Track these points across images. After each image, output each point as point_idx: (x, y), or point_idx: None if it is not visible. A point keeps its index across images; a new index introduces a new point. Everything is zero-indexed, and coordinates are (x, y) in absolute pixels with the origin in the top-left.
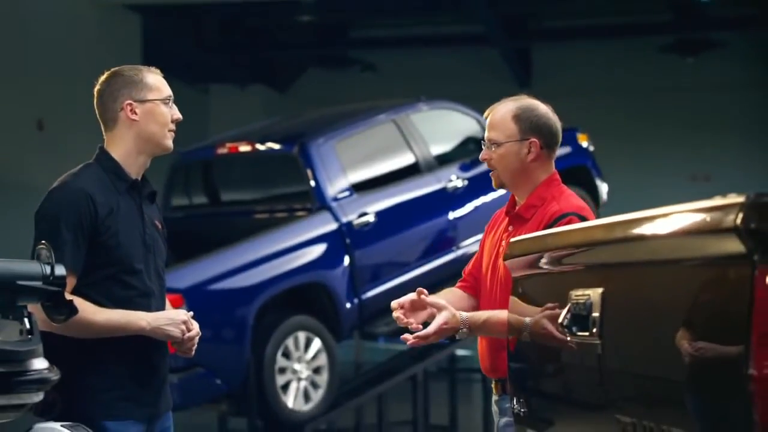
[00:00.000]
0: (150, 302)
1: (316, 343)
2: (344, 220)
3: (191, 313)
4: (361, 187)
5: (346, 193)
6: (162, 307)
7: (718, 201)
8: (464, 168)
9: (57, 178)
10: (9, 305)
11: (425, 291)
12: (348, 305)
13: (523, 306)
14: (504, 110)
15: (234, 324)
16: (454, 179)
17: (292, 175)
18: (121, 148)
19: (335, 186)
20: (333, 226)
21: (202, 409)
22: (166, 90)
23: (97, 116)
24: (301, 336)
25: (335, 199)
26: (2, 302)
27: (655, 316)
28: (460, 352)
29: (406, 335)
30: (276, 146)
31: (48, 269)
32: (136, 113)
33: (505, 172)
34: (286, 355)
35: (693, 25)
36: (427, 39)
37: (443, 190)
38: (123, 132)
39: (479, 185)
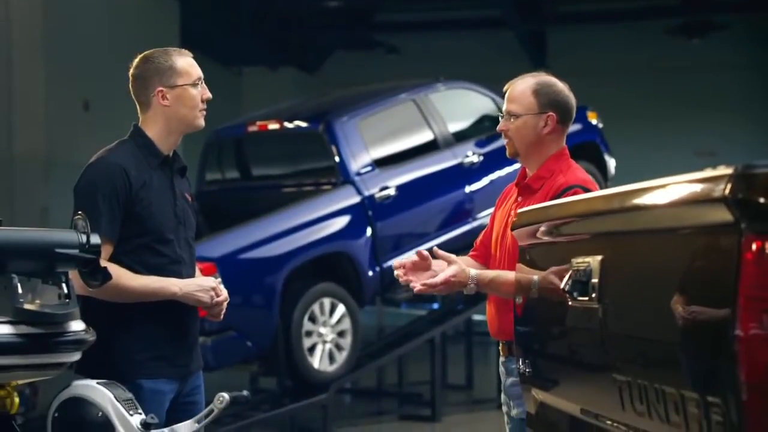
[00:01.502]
0: (181, 269)
1: (340, 309)
2: (367, 193)
3: (219, 279)
4: (382, 163)
5: (369, 168)
6: (192, 274)
7: (708, 173)
8: (480, 144)
9: None
10: (48, 271)
11: (424, 253)
12: (370, 273)
13: (528, 272)
14: (524, 85)
15: (264, 290)
16: (470, 155)
17: (318, 151)
18: (155, 128)
19: (358, 161)
20: (356, 199)
21: (234, 370)
22: (195, 72)
23: (132, 97)
24: (326, 302)
25: (358, 174)
26: (42, 269)
27: (650, 281)
28: (476, 317)
29: (403, 278)
30: (303, 124)
31: (84, 238)
32: (167, 98)
33: (520, 142)
34: (312, 319)
35: (698, 8)
36: (447, 23)
37: (460, 165)
38: (156, 114)
39: (494, 161)
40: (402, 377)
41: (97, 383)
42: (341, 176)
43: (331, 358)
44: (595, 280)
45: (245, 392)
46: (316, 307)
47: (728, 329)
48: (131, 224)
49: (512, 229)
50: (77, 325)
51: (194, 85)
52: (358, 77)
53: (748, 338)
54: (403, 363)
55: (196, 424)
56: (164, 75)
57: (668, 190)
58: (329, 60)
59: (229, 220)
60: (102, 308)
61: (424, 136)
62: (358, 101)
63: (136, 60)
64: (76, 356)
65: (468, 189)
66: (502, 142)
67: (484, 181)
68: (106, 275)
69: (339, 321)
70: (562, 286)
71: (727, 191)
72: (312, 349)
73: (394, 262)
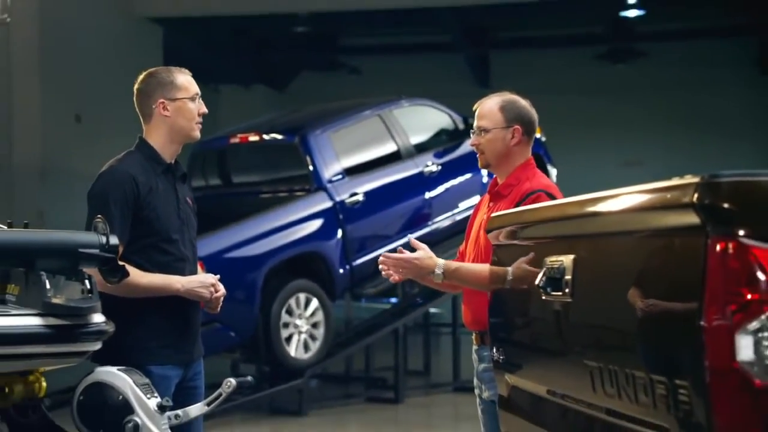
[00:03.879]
0: (185, 266)
1: (314, 303)
2: (338, 199)
3: (218, 276)
4: (351, 171)
5: (339, 176)
6: (194, 271)
7: (676, 181)
8: (438, 155)
9: (92, 165)
10: (72, 269)
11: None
12: (341, 271)
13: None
14: (491, 102)
15: (245, 286)
16: (430, 165)
17: (294, 161)
18: (157, 138)
19: (330, 170)
20: (328, 204)
21: (218, 357)
22: (194, 88)
23: (137, 110)
24: (302, 296)
25: (330, 181)
26: (66, 266)
27: (622, 278)
28: (433, 310)
29: (383, 266)
30: (280, 136)
31: (104, 239)
32: (168, 110)
33: (491, 154)
34: (289, 312)
35: (622, 37)
36: (403, 46)
37: (420, 174)
38: (158, 125)
39: (450, 170)
40: (369, 364)
41: (118, 369)
42: (315, 183)
43: (306, 347)
44: (568, 277)
45: (249, 377)
46: (292, 302)
47: (695, 321)
48: (140, 226)
49: (486, 232)
50: (98, 318)
51: (192, 99)
52: (323, 95)
53: (712, 329)
54: (369, 351)
55: (206, 407)
56: (166, 88)
57: (641, 196)
58: (297, 79)
59: (213, 223)
60: (115, 303)
61: (389, 148)
62: (330, 116)
63: (141, 76)
64: (97, 346)
65: (428, 195)
66: (458, 153)
67: (442, 188)
68: (124, 272)
69: (313, 314)
70: (536, 282)
71: (694, 198)
72: (289, 339)
73: (380, 258)
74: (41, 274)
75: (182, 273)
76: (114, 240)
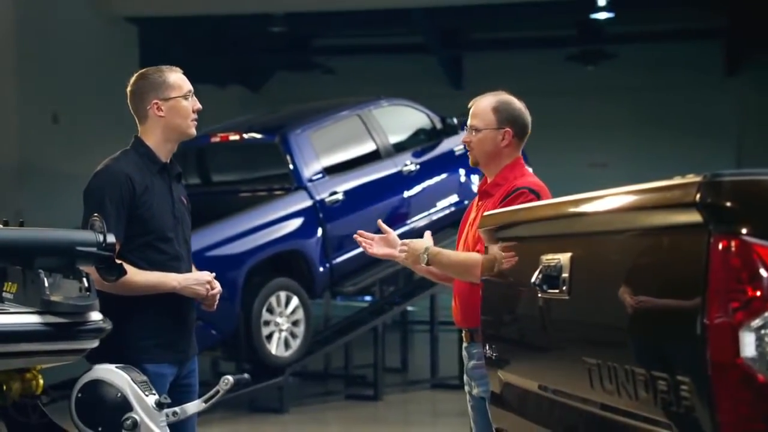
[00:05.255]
0: (180, 265)
1: (295, 301)
2: (318, 197)
3: (213, 274)
4: (331, 170)
5: (320, 175)
6: (189, 269)
7: (679, 180)
8: (416, 155)
9: (70, 164)
10: (69, 267)
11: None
12: (321, 269)
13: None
14: (485, 102)
15: (227, 284)
16: (408, 164)
17: (274, 160)
18: (152, 137)
19: (310, 169)
20: (308, 203)
21: (198, 355)
22: (186, 86)
23: (131, 111)
24: (282, 295)
25: (310, 180)
26: (64, 265)
27: (624, 276)
28: (410, 308)
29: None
30: (260, 136)
31: (101, 237)
32: (162, 110)
33: (480, 153)
34: (270, 310)
35: (592, 39)
36: (377, 47)
37: (399, 173)
38: (153, 125)
39: (429, 169)
40: (348, 362)
41: (116, 367)
42: (295, 182)
43: (287, 345)
44: (565, 275)
45: (246, 375)
46: (273, 300)
47: (698, 318)
48: (135, 225)
49: (479, 228)
50: (96, 315)
51: (185, 97)
52: (298, 95)
53: (715, 326)
54: (348, 349)
55: (204, 404)
56: (159, 89)
57: (643, 195)
58: (272, 80)
59: (194, 222)
60: (110, 301)
61: (368, 147)
62: (309, 116)
63: (133, 78)
64: (95, 343)
65: (407, 194)
66: (436, 153)
67: (421, 187)
68: (122, 271)
69: (293, 312)
70: (532, 280)
71: (697, 197)
72: (269, 336)
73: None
74: (39, 272)
75: (177, 271)
76: (111, 238)
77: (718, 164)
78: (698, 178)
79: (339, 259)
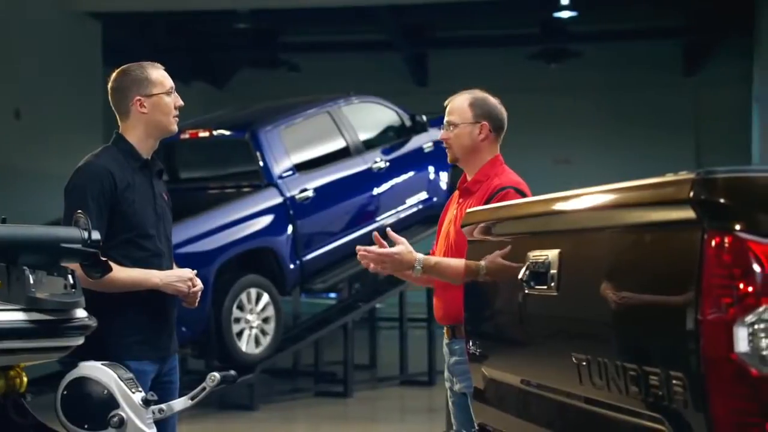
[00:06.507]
0: (161, 261)
1: (265, 298)
2: (288, 194)
3: (195, 271)
4: (302, 167)
5: (290, 172)
6: (170, 266)
7: (673, 177)
8: (386, 152)
9: (32, 160)
10: (54, 264)
11: (379, 238)
12: (291, 266)
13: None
14: (461, 99)
15: None
16: (378, 161)
17: (244, 156)
18: (134, 134)
19: (280, 166)
20: (279, 200)
21: None
22: (168, 82)
23: (112, 107)
24: (253, 292)
25: (280, 177)
26: (48, 262)
27: (617, 272)
28: (378, 305)
29: (361, 254)
30: (230, 132)
31: (86, 234)
32: (144, 107)
33: (459, 149)
34: (240, 307)
35: (556, 38)
36: (343, 44)
37: (369, 170)
38: (135, 122)
39: (398, 166)
40: (318, 359)
41: (102, 364)
42: (265, 179)
43: (257, 342)
44: (554, 271)
45: (232, 372)
46: (243, 297)
47: (692, 314)
48: (117, 221)
49: (462, 227)
50: (81, 313)
51: (168, 93)
52: (263, 92)
53: (709, 321)
54: (318, 346)
55: (190, 401)
56: (141, 85)
57: (635, 192)
58: (237, 76)
59: None
60: (91, 298)
61: (338, 144)
62: (279, 113)
63: (114, 74)
64: (81, 341)
65: (376, 191)
66: (405, 150)
67: (390, 184)
68: (107, 268)
69: (264, 309)
70: (519, 276)
71: (691, 194)
72: (240, 333)
73: (359, 250)
74: (25, 269)
75: (159, 268)
76: (96, 235)
77: (677, 160)
78: (692, 175)
79: (309, 256)
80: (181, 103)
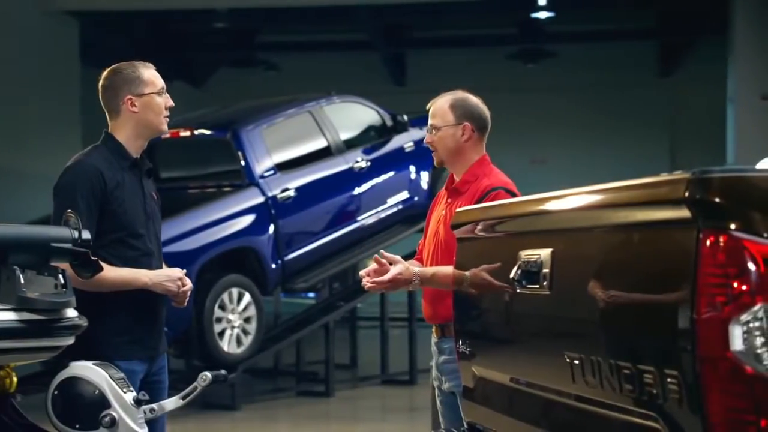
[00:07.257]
0: (151, 261)
1: (247, 297)
2: (270, 194)
3: (185, 270)
4: (283, 167)
5: (271, 172)
6: (160, 266)
7: (668, 176)
8: (367, 151)
9: (11, 160)
10: (44, 264)
11: (382, 260)
12: (273, 266)
13: (468, 264)
14: (442, 101)
15: None
16: (359, 161)
17: (226, 156)
18: (124, 133)
19: (262, 165)
20: (260, 199)
21: None
22: (160, 82)
23: (102, 106)
24: (235, 291)
25: (262, 177)
26: (39, 261)
27: (611, 272)
28: (359, 305)
29: (365, 280)
30: (211, 132)
31: (76, 233)
32: (135, 106)
33: (443, 151)
34: (222, 307)
35: (533, 38)
36: (321, 44)
37: (350, 169)
38: (125, 121)
39: (379, 166)
40: (299, 358)
41: (93, 364)
42: (247, 179)
43: (239, 342)
44: (546, 271)
45: (223, 371)
46: (225, 296)
47: (687, 312)
48: (107, 221)
49: (452, 228)
50: (72, 312)
51: (159, 93)
52: (241, 92)
53: (704, 320)
54: (300, 346)
55: (181, 400)
56: (132, 84)
57: (632, 191)
58: (215, 76)
59: None
60: (81, 297)
61: (320, 144)
62: (261, 112)
63: (105, 73)
64: (71, 340)
65: (357, 191)
66: (386, 149)
67: (371, 183)
68: (98, 267)
69: (245, 308)
70: (510, 275)
71: (686, 193)
72: (222, 333)
73: (361, 272)
74: (15, 268)
75: (149, 268)
76: (86, 234)
77: (653, 160)
78: (687, 175)
79: (291, 256)
80: (171, 103)
